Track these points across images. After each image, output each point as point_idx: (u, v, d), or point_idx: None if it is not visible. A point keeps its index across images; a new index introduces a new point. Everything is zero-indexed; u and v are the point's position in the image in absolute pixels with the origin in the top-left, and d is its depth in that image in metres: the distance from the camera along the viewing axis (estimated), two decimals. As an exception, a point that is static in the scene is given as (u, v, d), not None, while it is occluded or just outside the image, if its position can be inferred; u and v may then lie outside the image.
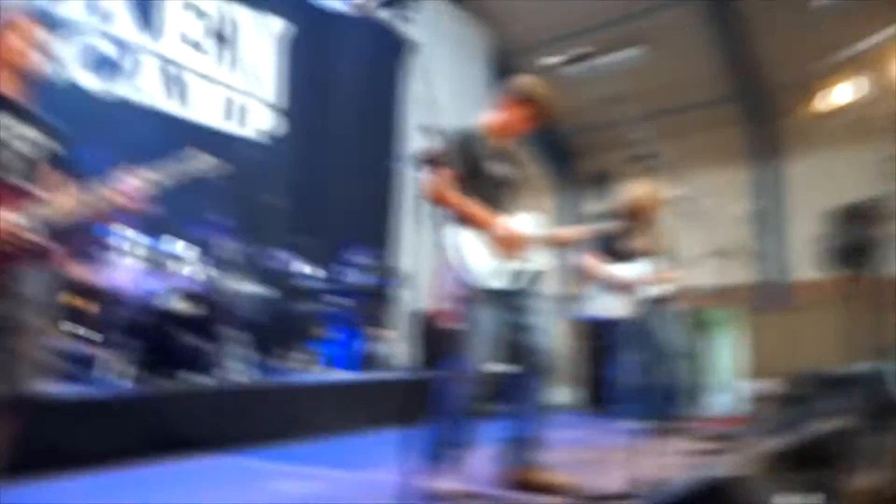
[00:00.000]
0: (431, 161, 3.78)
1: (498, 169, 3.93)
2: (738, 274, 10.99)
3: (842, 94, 9.08)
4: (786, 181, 10.98)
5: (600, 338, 6.54)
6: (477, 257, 3.74)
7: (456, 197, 3.78)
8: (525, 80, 4.03)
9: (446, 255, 3.75)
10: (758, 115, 10.95)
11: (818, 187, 10.46)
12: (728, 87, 10.67)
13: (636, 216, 5.80)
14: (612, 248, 5.72)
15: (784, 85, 10.31)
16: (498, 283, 3.75)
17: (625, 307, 5.53)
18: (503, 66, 10.94)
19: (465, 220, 3.78)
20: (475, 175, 3.85)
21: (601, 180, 11.69)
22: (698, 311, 8.52)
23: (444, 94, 8.64)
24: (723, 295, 10.48)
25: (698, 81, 10.63)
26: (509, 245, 3.78)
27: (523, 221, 3.90)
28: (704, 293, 10.77)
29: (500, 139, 3.98)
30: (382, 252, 8.37)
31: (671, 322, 5.69)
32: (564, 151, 12.88)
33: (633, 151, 3.94)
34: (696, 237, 6.13)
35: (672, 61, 10.27)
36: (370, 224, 8.58)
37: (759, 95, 10.75)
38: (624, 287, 5.59)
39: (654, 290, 5.65)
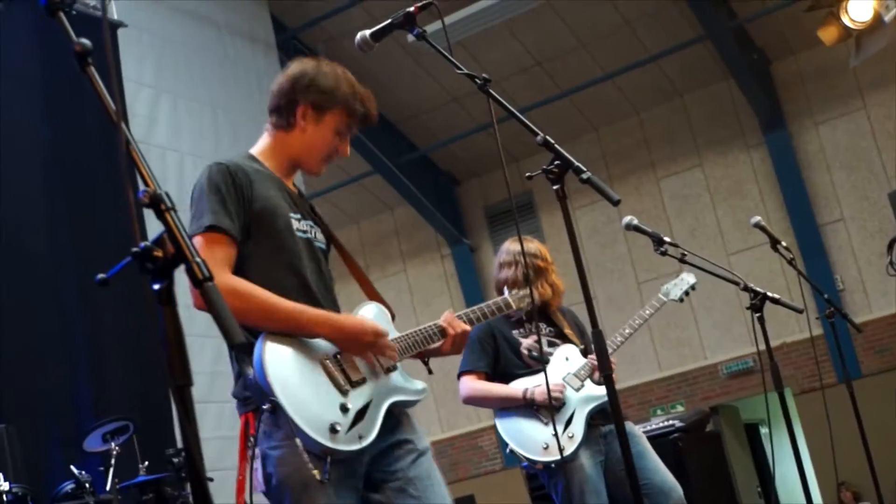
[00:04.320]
0: (173, 252, 1.85)
1: (304, 227, 2.66)
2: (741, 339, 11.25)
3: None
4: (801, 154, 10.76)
5: (541, 502, 4.51)
6: (303, 399, 2.37)
7: (248, 290, 2.41)
8: (313, 67, 2.70)
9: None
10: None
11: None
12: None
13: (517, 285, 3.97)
14: (504, 348, 4.12)
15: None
16: (347, 443, 2.38)
17: (550, 444, 3.84)
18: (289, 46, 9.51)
19: (279, 325, 2.43)
20: (267, 238, 2.54)
21: (526, 207, 11.47)
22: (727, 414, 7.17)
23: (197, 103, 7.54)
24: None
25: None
26: (367, 349, 2.55)
27: (373, 315, 2.73)
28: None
29: (286, 177, 2.71)
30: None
31: (643, 450, 3.92)
32: (439, 175, 12.28)
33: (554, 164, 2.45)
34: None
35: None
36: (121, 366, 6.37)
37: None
38: (538, 407, 3.95)
39: (594, 396, 3.96)
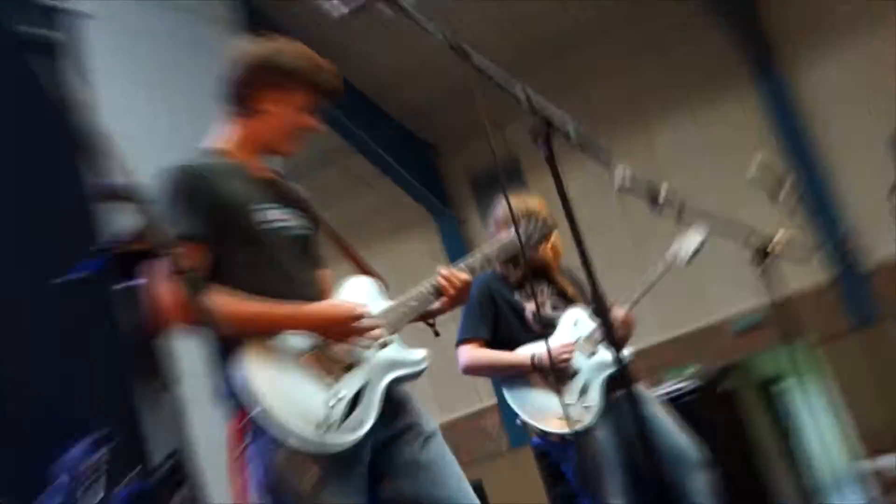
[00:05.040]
0: (141, 249, 1.83)
1: (274, 217, 2.67)
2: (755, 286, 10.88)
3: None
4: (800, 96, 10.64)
5: (553, 480, 4.63)
6: (289, 400, 2.38)
7: (224, 300, 2.41)
8: (266, 47, 2.70)
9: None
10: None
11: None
12: None
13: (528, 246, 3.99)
14: (506, 313, 4.08)
15: None
16: (340, 436, 2.40)
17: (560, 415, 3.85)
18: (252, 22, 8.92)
19: (250, 330, 2.43)
20: (237, 237, 2.54)
21: (513, 173, 11.58)
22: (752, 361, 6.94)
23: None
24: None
25: None
26: (346, 334, 2.56)
27: (359, 290, 2.79)
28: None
29: (258, 165, 2.74)
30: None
31: (657, 413, 4.00)
32: (419, 147, 12.26)
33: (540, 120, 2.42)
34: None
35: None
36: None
37: None
38: (543, 375, 3.94)
39: (609, 362, 3.93)
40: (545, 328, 3.92)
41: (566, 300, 4.07)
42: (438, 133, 12.31)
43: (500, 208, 4.10)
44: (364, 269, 2.93)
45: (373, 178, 12.40)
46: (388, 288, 2.82)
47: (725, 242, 4.59)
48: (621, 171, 3.68)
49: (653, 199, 3.70)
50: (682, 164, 11.22)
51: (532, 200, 4.07)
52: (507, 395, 3.90)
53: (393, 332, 2.66)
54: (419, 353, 2.73)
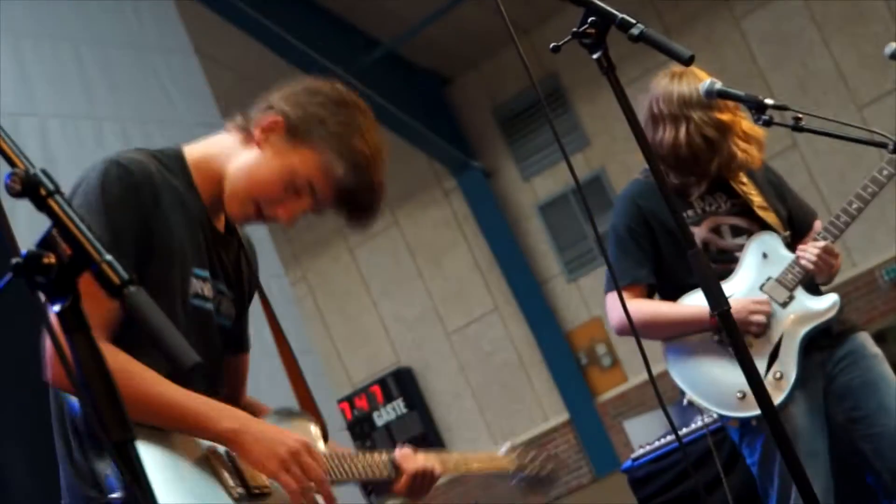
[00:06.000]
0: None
1: (205, 293, 2.64)
2: None
3: None
4: None
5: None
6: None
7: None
8: (334, 92, 2.66)
9: None
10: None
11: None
12: None
13: (692, 154, 3.86)
14: (664, 243, 3.97)
15: None
16: None
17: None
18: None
19: (160, 419, 2.42)
20: (151, 289, 2.21)
21: (553, 96, 11.45)
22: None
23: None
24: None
25: None
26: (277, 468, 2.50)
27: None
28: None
29: (216, 207, 2.68)
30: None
31: (876, 378, 3.90)
32: (420, 78, 12.37)
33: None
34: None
35: None
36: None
37: None
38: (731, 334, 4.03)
39: (811, 312, 3.88)
40: (724, 264, 3.77)
41: (751, 219, 3.90)
42: (443, 56, 12.33)
43: (661, 100, 3.80)
44: (303, 399, 2.95)
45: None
46: (326, 437, 2.84)
47: (861, 158, 4.49)
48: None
49: (756, 105, 3.59)
50: (789, 53, 11.17)
51: (690, 85, 3.79)
52: (672, 365, 3.80)
53: (331, 483, 2.70)
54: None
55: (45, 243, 1.27)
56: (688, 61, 2.39)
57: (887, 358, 3.96)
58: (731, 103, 3.82)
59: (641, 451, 5.31)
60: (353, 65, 11.25)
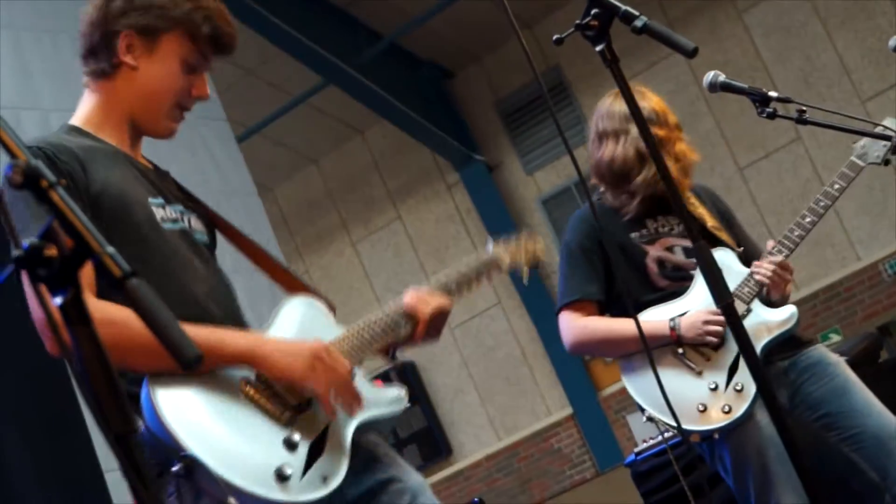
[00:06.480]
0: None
1: (171, 216, 2.69)
2: None
3: None
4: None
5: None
6: (230, 444, 2.40)
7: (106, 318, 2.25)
8: None
9: None
10: None
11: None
12: None
13: (624, 166, 3.87)
14: (619, 261, 3.97)
15: None
16: (307, 490, 2.45)
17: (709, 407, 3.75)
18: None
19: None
20: (118, 236, 2.42)
21: (556, 89, 11.39)
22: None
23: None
24: None
25: None
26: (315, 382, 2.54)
27: (301, 316, 2.81)
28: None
29: (134, 148, 2.75)
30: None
31: (845, 383, 3.90)
32: (423, 71, 12.28)
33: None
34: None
35: None
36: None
37: None
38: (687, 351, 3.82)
39: (769, 323, 3.86)
40: (678, 282, 3.79)
41: (706, 236, 3.90)
42: (446, 49, 12.30)
43: (605, 117, 3.87)
44: (288, 282, 2.93)
45: (361, 122, 12.42)
46: (334, 310, 2.82)
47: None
48: (713, 73, 3.60)
49: (760, 99, 3.59)
50: (793, 45, 11.15)
51: (645, 103, 3.80)
52: (628, 381, 3.79)
53: (354, 365, 2.67)
54: (394, 391, 2.76)
55: (47, 235, 1.27)
56: (691, 53, 2.39)
57: (891, 350, 3.98)
58: (671, 122, 3.89)
59: (645, 445, 5.34)
60: (355, 58, 11.23)
